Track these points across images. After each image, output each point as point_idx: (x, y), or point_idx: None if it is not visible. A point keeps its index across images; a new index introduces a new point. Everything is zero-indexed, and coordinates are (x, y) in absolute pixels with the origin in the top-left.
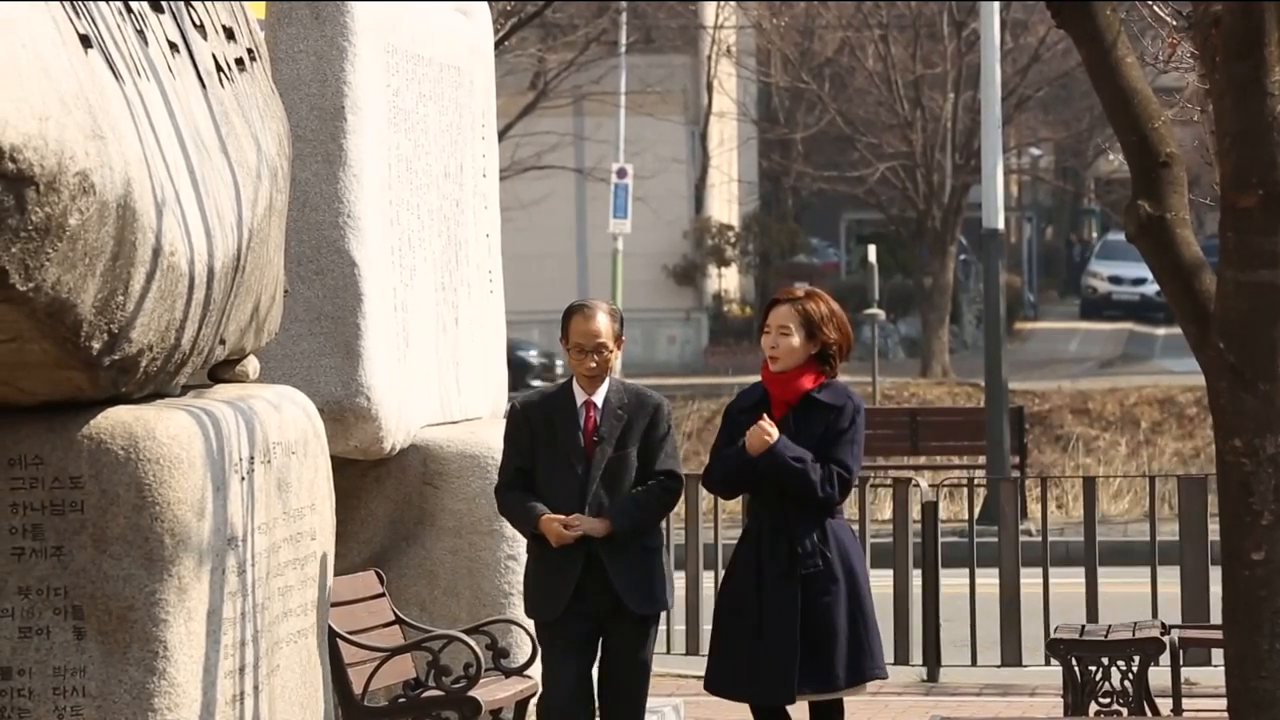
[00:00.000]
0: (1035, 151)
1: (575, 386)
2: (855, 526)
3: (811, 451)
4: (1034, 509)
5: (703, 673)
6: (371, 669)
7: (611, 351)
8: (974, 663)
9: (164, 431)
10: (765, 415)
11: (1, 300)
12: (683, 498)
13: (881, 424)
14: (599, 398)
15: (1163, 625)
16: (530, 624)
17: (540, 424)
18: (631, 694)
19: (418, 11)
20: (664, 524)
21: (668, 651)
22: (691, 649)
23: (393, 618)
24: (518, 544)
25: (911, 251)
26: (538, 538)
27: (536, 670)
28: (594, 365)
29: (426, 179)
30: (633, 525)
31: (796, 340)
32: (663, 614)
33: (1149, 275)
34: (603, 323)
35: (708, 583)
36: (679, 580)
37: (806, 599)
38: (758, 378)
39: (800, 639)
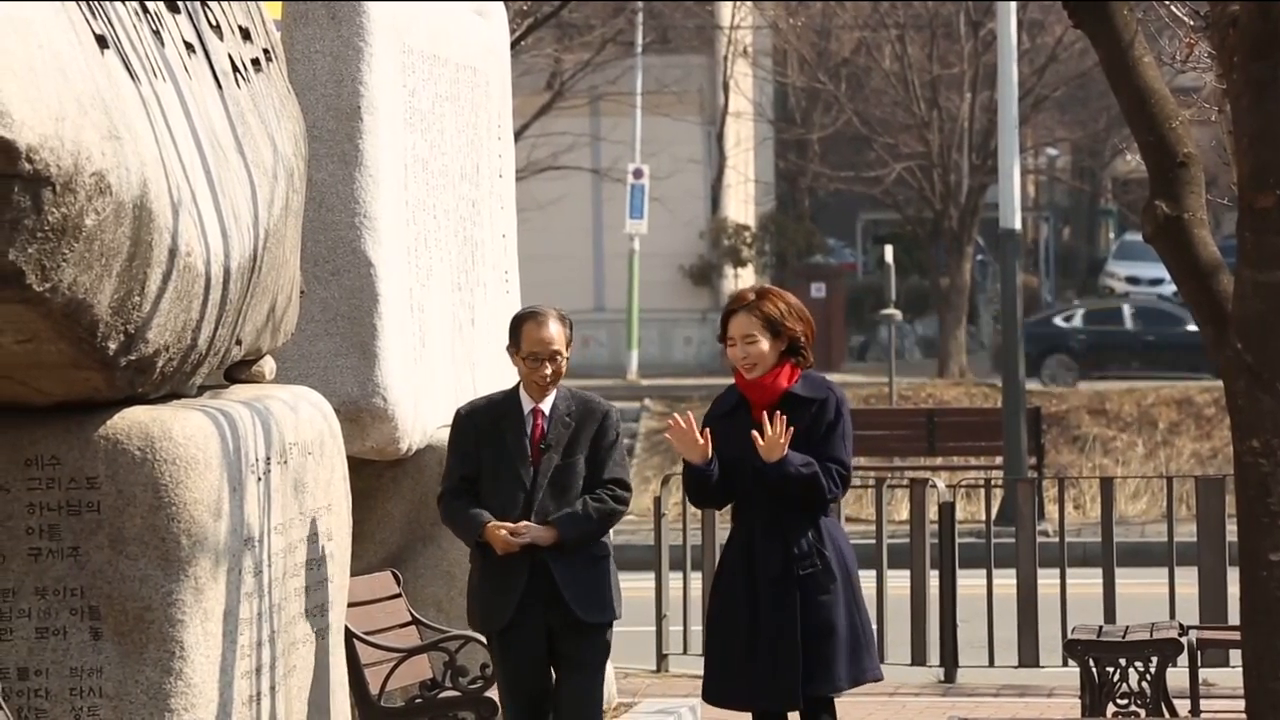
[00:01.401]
0: (1052, 151)
1: (523, 393)
2: (872, 527)
3: (799, 450)
4: (1051, 510)
5: None
6: (388, 669)
7: (565, 359)
8: (991, 663)
9: (180, 432)
10: (764, 420)
11: (18, 300)
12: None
13: (898, 424)
14: (546, 405)
15: (1180, 626)
16: None
17: (486, 431)
18: (587, 705)
19: (434, 12)
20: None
21: (684, 652)
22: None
23: (409, 618)
24: None
25: (928, 252)
26: (481, 546)
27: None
28: (549, 373)
29: (443, 179)
30: (580, 535)
31: (765, 345)
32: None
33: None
34: (555, 329)
35: None
36: (695, 580)
37: (804, 599)
38: None
39: (799, 642)
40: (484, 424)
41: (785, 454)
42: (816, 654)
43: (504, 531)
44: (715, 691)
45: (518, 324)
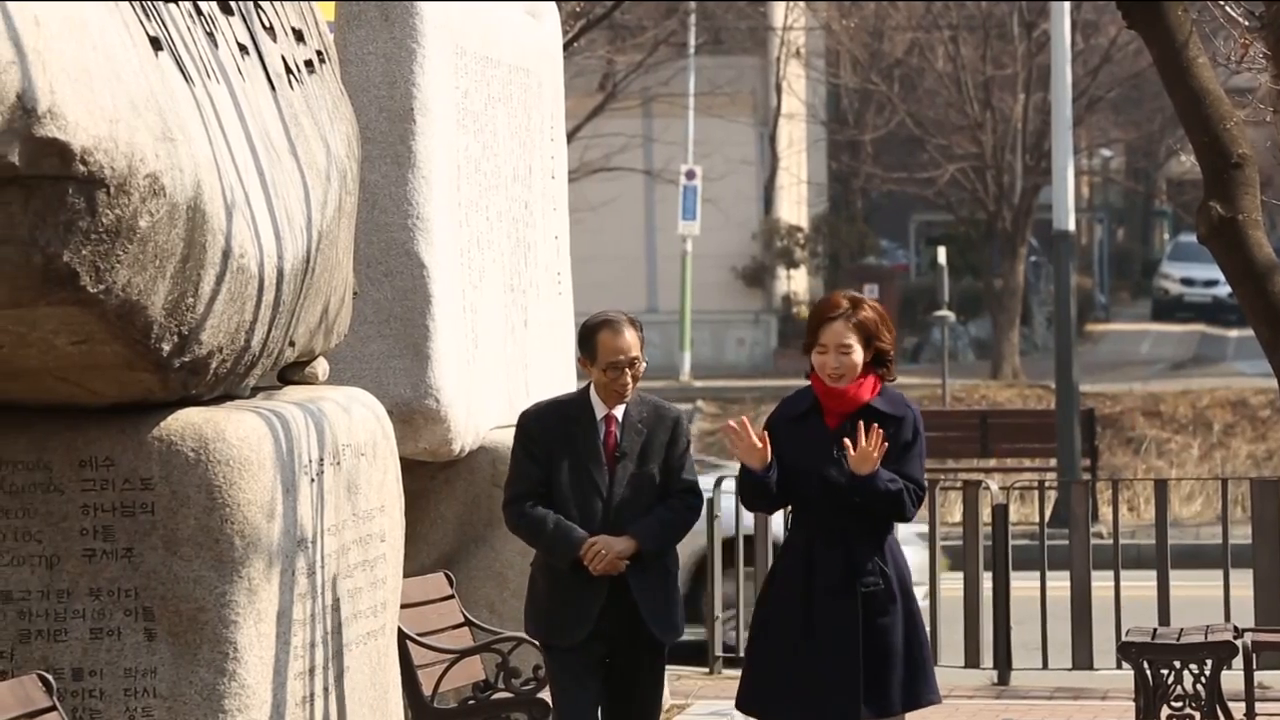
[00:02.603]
0: (1106, 153)
1: (594, 398)
2: (925, 529)
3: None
4: (1105, 511)
5: None
6: (441, 671)
7: (643, 363)
8: (1045, 666)
9: (234, 433)
10: (859, 431)
11: (72, 302)
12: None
13: (952, 426)
14: (619, 411)
15: (1235, 628)
16: None
17: (557, 435)
18: None
19: (487, 13)
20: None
21: (737, 654)
22: None
23: (462, 619)
24: None
25: (981, 253)
26: (575, 561)
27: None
28: (629, 381)
29: (495, 181)
30: (659, 546)
31: (860, 355)
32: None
33: (1221, 277)
34: (631, 335)
35: None
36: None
37: (864, 618)
38: None
39: (857, 660)
40: (554, 428)
41: (876, 468)
42: (873, 676)
43: (611, 551)
44: (757, 701)
45: (591, 333)
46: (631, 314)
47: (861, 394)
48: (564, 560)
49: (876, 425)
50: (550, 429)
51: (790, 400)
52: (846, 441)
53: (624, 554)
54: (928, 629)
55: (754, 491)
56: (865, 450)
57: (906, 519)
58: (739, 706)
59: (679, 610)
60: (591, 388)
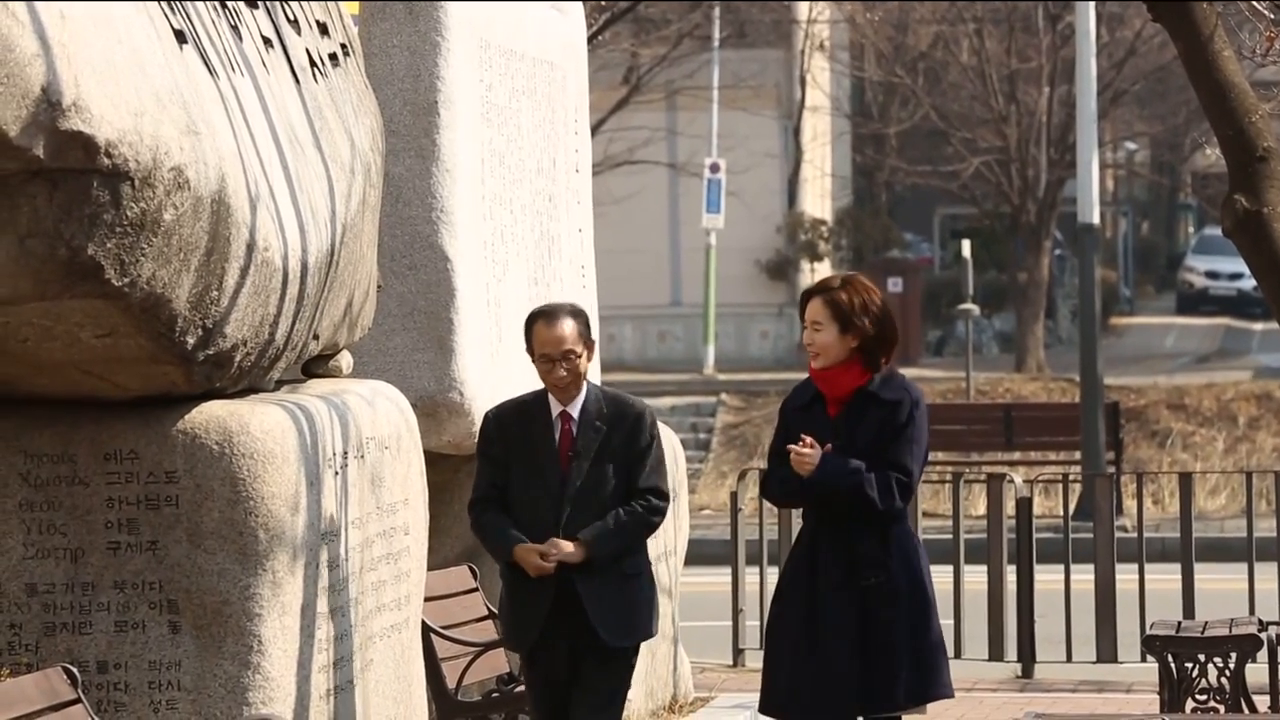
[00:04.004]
0: (1131, 146)
1: (550, 396)
2: (949, 522)
3: (868, 451)
4: (1130, 505)
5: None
6: (465, 664)
7: (580, 357)
8: (1069, 659)
9: (258, 426)
10: (817, 420)
11: (97, 295)
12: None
13: (976, 419)
14: (575, 408)
15: (1260, 622)
16: None
17: (515, 436)
18: None
19: (511, 7)
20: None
21: (760, 647)
22: None
23: (486, 612)
24: None
25: (1006, 246)
26: (511, 565)
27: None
28: (564, 374)
29: (519, 174)
30: (611, 551)
31: (830, 335)
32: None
33: (1246, 270)
34: (568, 327)
35: None
36: (772, 575)
37: (866, 613)
38: None
39: (858, 655)
40: (512, 428)
41: (818, 466)
42: (877, 670)
43: (535, 555)
44: (773, 702)
45: (528, 324)
46: (580, 307)
47: (846, 380)
48: (502, 564)
49: (805, 437)
50: (507, 429)
51: (799, 388)
52: (790, 447)
53: (571, 559)
54: (950, 621)
55: (791, 494)
56: (795, 458)
57: (881, 510)
58: (762, 710)
59: (642, 611)
60: None
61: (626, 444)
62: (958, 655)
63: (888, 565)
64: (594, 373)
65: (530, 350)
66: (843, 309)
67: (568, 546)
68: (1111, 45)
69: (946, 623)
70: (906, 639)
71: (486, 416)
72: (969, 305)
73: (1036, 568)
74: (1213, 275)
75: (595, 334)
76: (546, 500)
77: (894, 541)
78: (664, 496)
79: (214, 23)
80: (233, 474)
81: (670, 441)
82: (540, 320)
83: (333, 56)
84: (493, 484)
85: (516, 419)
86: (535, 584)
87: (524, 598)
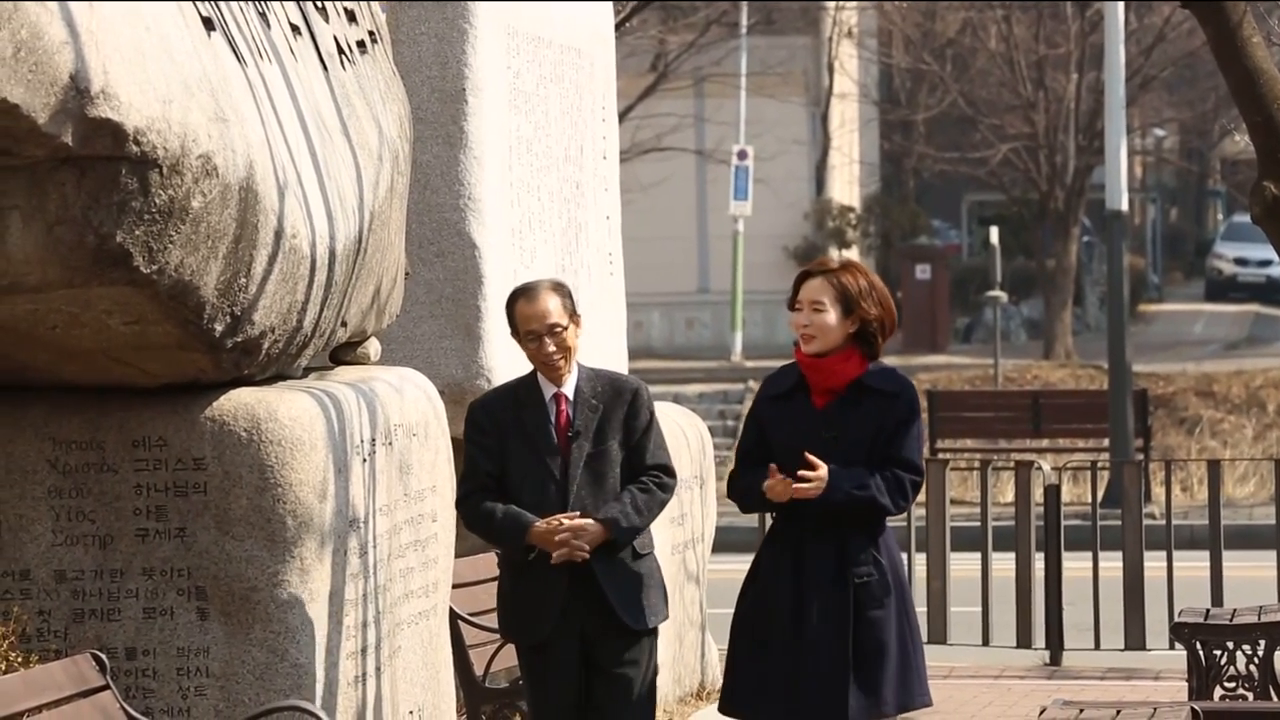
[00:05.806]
0: (1159, 132)
1: (540, 378)
2: (977, 509)
3: (861, 445)
4: (1158, 492)
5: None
6: (492, 651)
7: (566, 330)
8: (1097, 646)
9: (286, 413)
10: (800, 412)
11: (125, 282)
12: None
13: (1004, 406)
14: (569, 388)
15: None
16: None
17: (508, 423)
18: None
19: None
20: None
21: None
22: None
23: None
24: None
25: (1034, 233)
26: (525, 549)
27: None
28: (553, 350)
29: (547, 161)
30: (631, 531)
31: (832, 317)
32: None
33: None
34: (550, 302)
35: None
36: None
37: (856, 611)
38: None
39: (846, 655)
40: (504, 416)
41: (827, 486)
42: (865, 674)
43: (563, 534)
44: (741, 702)
45: (509, 305)
46: (560, 280)
47: (847, 369)
48: (516, 549)
49: (810, 456)
50: (498, 416)
51: (774, 377)
52: (801, 473)
53: (594, 542)
54: (978, 608)
55: (756, 504)
56: (779, 489)
57: (894, 513)
58: (722, 709)
59: (656, 593)
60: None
61: (626, 421)
62: (986, 642)
63: (880, 562)
64: (620, 359)
65: (515, 331)
66: (848, 290)
67: (592, 525)
68: (1140, 31)
69: (974, 610)
70: (894, 642)
71: (472, 407)
72: (997, 292)
73: (1065, 555)
74: (1241, 262)
75: (610, 324)
76: (551, 484)
77: (881, 540)
78: (673, 474)
79: (242, 10)
80: (261, 461)
81: (698, 428)
82: (521, 298)
83: (360, 44)
84: (488, 474)
85: (507, 405)
86: (548, 569)
87: (533, 587)
